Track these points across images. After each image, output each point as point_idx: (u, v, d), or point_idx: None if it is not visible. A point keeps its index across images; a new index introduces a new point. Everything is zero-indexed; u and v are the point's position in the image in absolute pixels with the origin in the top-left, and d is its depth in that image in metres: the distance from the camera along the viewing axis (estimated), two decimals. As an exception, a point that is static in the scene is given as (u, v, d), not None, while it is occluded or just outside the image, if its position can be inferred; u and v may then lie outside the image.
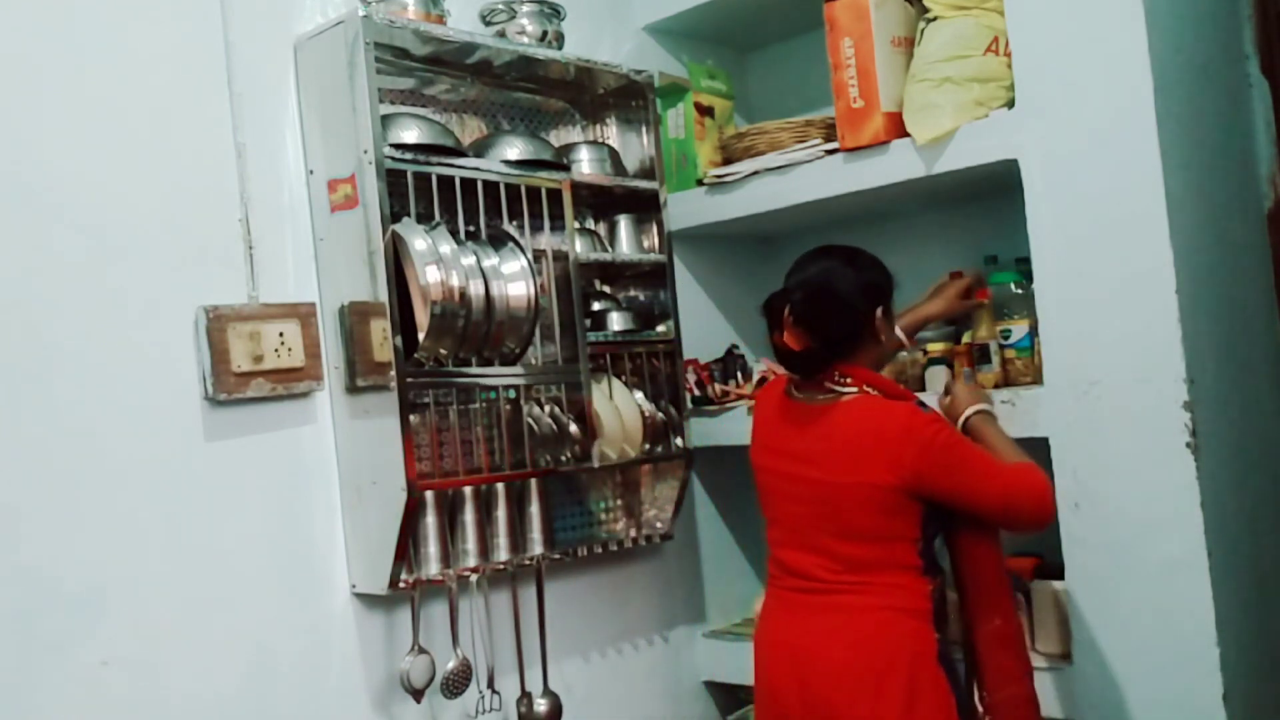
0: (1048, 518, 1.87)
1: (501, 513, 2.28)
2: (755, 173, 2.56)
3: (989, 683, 1.95)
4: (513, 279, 2.21)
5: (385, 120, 2.13)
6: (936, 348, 2.37)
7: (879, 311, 1.95)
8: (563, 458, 2.31)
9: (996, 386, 2.25)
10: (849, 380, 1.94)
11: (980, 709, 1.96)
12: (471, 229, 2.22)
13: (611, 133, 2.69)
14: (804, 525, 1.96)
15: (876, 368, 2.01)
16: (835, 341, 1.93)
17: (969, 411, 2.03)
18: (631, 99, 2.64)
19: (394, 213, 2.07)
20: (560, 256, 2.36)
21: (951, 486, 1.86)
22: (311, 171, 2.16)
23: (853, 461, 1.89)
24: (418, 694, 2.12)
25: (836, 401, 1.94)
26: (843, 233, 2.86)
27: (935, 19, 2.27)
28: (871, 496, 1.87)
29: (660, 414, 2.53)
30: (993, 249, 2.58)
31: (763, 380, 2.65)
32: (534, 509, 2.34)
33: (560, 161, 2.41)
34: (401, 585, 2.09)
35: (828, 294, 1.92)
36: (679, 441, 2.56)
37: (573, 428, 2.30)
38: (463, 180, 2.18)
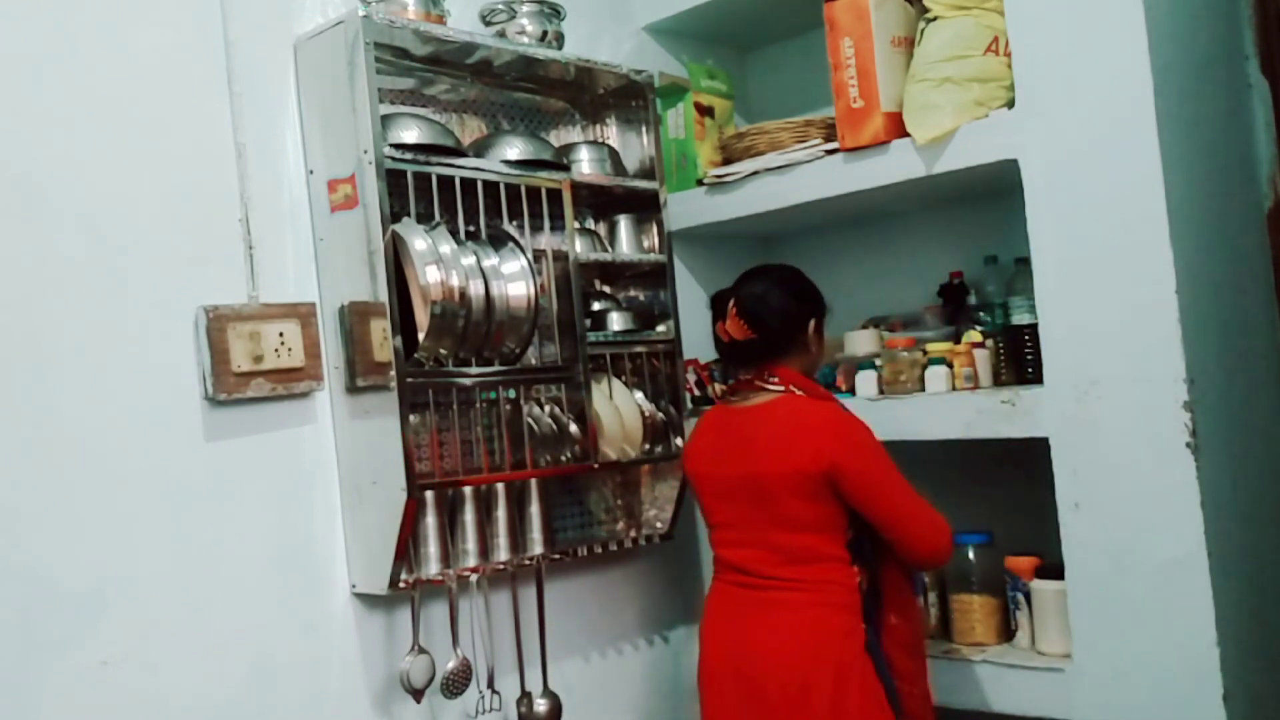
0: (940, 562, 2.06)
1: (501, 513, 2.28)
2: (755, 173, 2.56)
3: (894, 674, 2.05)
4: (513, 279, 2.21)
5: (385, 120, 2.13)
6: (936, 348, 2.37)
7: (813, 323, 2.14)
8: (563, 458, 2.32)
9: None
10: (776, 380, 2.10)
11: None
12: (471, 229, 2.22)
13: (611, 133, 2.69)
14: (744, 520, 2.10)
15: (807, 374, 2.16)
16: (772, 337, 2.10)
17: None
18: (631, 99, 2.64)
19: (394, 213, 2.07)
20: (560, 256, 2.36)
21: (866, 494, 2.00)
22: (311, 171, 2.16)
23: (781, 451, 2.02)
24: (418, 694, 2.12)
25: (766, 401, 2.10)
26: (843, 233, 2.88)
27: (935, 19, 2.27)
28: (801, 484, 2.00)
29: (660, 414, 2.53)
30: (993, 249, 2.58)
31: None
32: (534, 509, 2.34)
33: (560, 161, 2.41)
34: (401, 585, 2.09)
35: (771, 294, 2.12)
36: (679, 441, 2.55)
37: (573, 428, 2.30)
38: (463, 180, 2.18)
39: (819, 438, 2.00)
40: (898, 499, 2.01)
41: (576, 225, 2.46)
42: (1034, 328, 2.17)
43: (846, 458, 1.98)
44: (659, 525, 2.60)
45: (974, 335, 2.36)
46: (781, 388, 2.09)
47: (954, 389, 2.29)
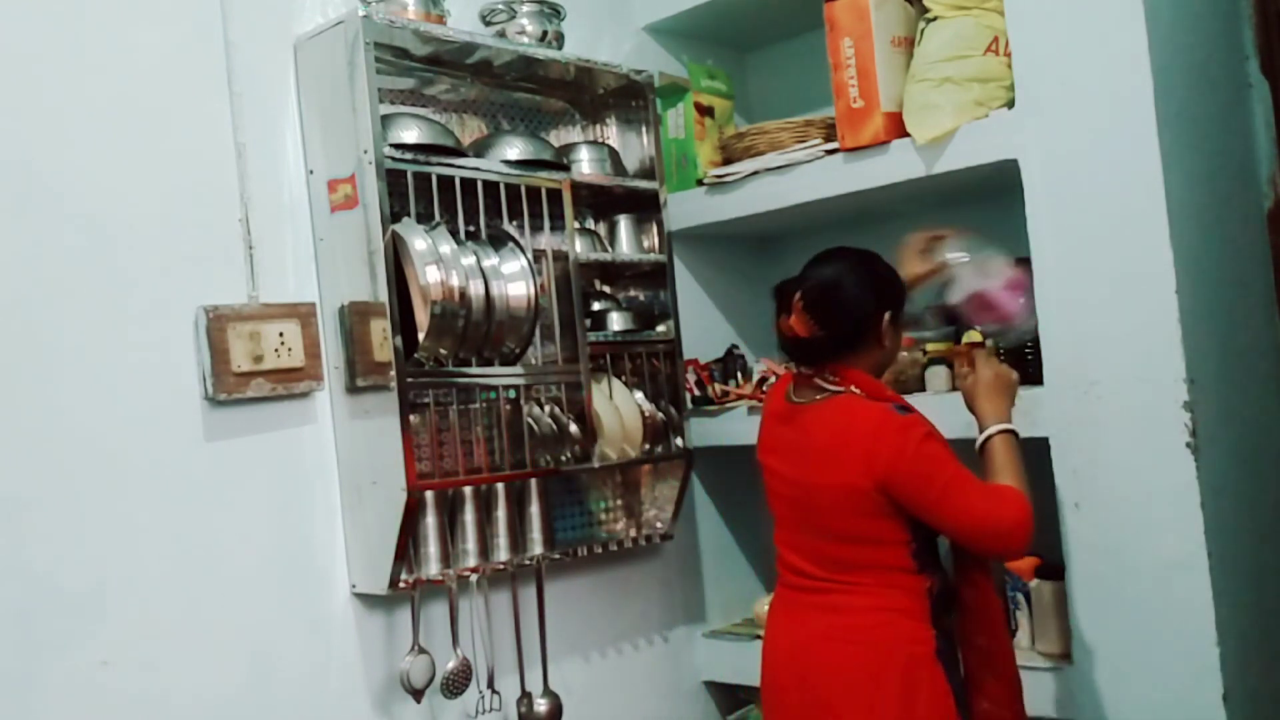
0: (1015, 545, 1.82)
1: (501, 513, 2.27)
2: (755, 173, 2.56)
3: (971, 696, 1.91)
4: (513, 279, 2.21)
5: (385, 120, 2.13)
6: (936, 347, 2.37)
7: (887, 316, 1.93)
8: (563, 458, 2.31)
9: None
10: (837, 380, 1.92)
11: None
12: (471, 229, 2.22)
13: (611, 133, 2.69)
14: (793, 523, 1.97)
15: (876, 372, 1.97)
16: (840, 334, 1.90)
17: (991, 430, 1.91)
18: (631, 99, 2.64)
19: (394, 213, 2.07)
20: (560, 256, 2.36)
21: (918, 499, 1.81)
22: (311, 171, 2.16)
23: (826, 461, 1.87)
24: (418, 694, 2.12)
25: (821, 401, 1.92)
26: (843, 233, 2.86)
27: (935, 19, 2.27)
28: (848, 498, 1.84)
29: (660, 414, 2.53)
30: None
31: (764, 380, 2.65)
32: (534, 509, 2.34)
33: (560, 161, 2.41)
34: (401, 585, 2.09)
35: (840, 286, 1.90)
36: (679, 441, 2.56)
37: (573, 428, 2.30)
38: (463, 180, 2.18)
39: (870, 449, 1.81)
40: (960, 503, 1.80)
41: (576, 225, 2.46)
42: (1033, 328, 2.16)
43: (898, 469, 1.79)
44: (659, 525, 2.60)
45: (974, 335, 2.35)
46: (840, 388, 1.91)
47: (954, 389, 2.29)
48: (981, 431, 1.92)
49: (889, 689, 1.82)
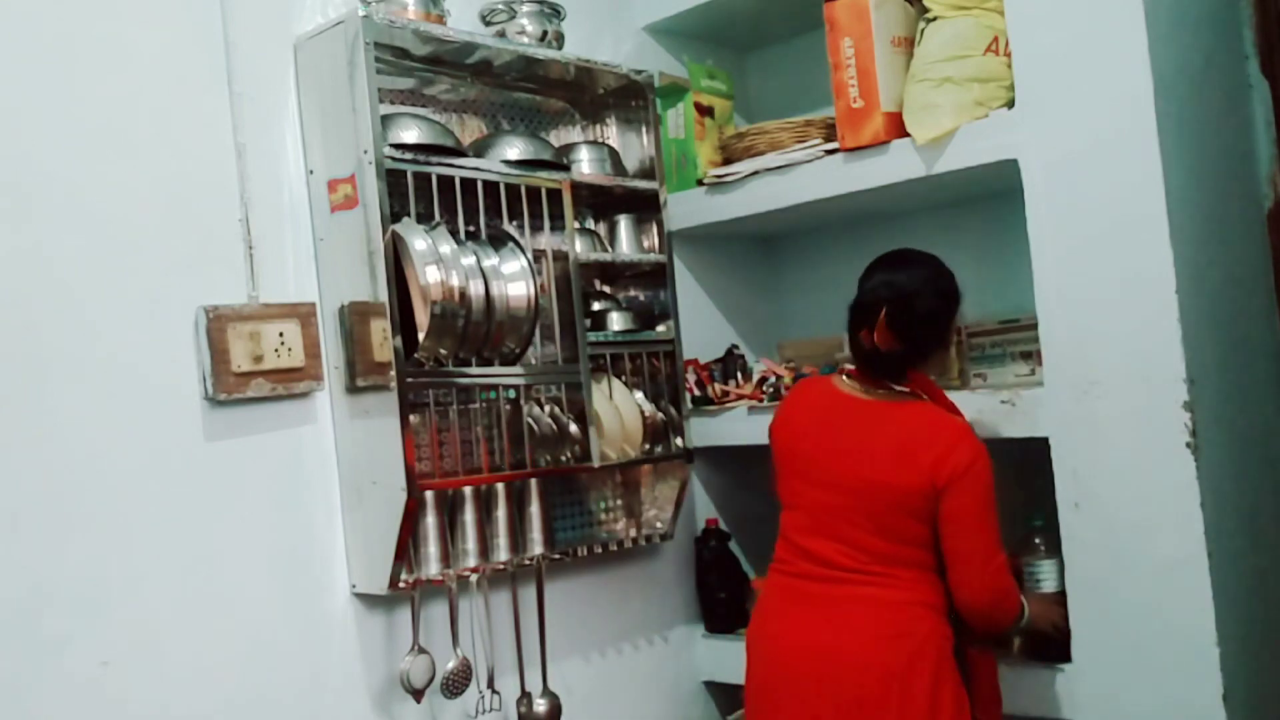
0: (986, 627, 1.96)
1: (501, 513, 2.27)
2: (755, 173, 2.56)
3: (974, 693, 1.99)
4: (513, 279, 2.21)
5: (385, 120, 2.13)
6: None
7: (954, 325, 2.05)
8: (563, 458, 2.31)
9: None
10: (905, 381, 2.00)
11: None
12: (471, 229, 2.22)
13: (611, 133, 2.69)
14: (831, 514, 1.98)
15: (937, 372, 2.08)
16: (923, 347, 2.00)
17: (1028, 619, 2.02)
18: (631, 99, 2.64)
19: (394, 213, 2.07)
20: (560, 256, 2.36)
21: (956, 513, 1.90)
22: (311, 171, 2.16)
23: (898, 462, 1.92)
24: (418, 694, 2.12)
25: (892, 401, 1.99)
26: (843, 233, 2.88)
27: (935, 19, 2.27)
28: (907, 499, 1.91)
29: (660, 414, 2.53)
30: (992, 249, 2.58)
31: (764, 380, 2.66)
32: (534, 509, 2.33)
33: (560, 161, 2.41)
34: (401, 585, 2.09)
35: (922, 298, 1.98)
36: (679, 441, 2.56)
37: (573, 428, 2.30)
38: (463, 180, 2.18)
39: (942, 455, 1.89)
40: (982, 539, 1.90)
41: (576, 225, 2.46)
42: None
43: (960, 482, 1.88)
44: (659, 525, 2.60)
45: None
46: (909, 390, 2.00)
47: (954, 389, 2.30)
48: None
49: (922, 681, 1.89)
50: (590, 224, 2.64)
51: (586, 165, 2.51)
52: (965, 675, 1.96)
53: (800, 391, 2.16)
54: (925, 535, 1.93)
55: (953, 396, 2.16)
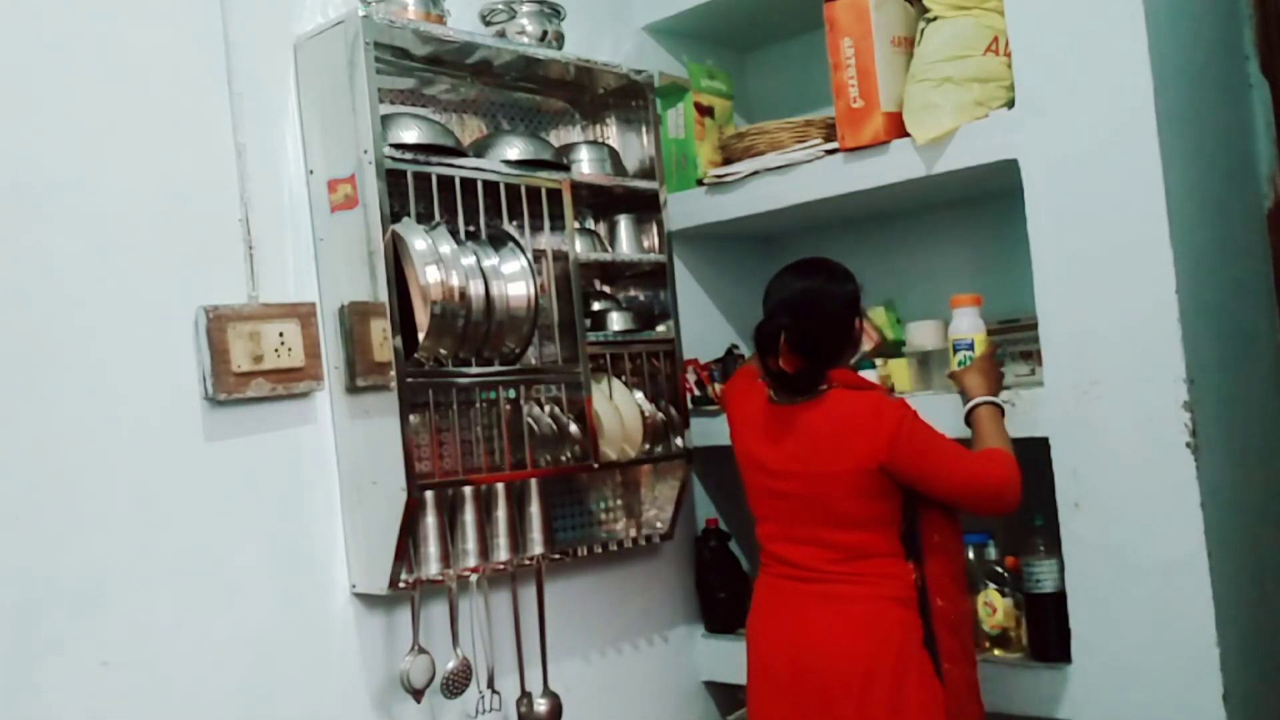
0: (1010, 501, 1.97)
1: (501, 513, 2.27)
2: (755, 173, 2.56)
3: (941, 654, 2.02)
4: (513, 279, 2.21)
5: (385, 120, 2.13)
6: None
7: (857, 321, 2.09)
8: (563, 458, 2.31)
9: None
10: (824, 384, 2.04)
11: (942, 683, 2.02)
12: (471, 229, 2.22)
13: (611, 133, 2.69)
14: (793, 519, 2.06)
15: (851, 366, 2.14)
16: (826, 357, 2.04)
17: (975, 401, 2.11)
18: (631, 99, 2.64)
19: (394, 213, 2.07)
20: (560, 256, 2.36)
21: (919, 469, 1.96)
22: (311, 171, 2.16)
23: (835, 450, 1.99)
24: (418, 694, 2.12)
25: (815, 399, 2.04)
26: (843, 233, 2.88)
27: (935, 19, 2.27)
28: (857, 481, 1.97)
29: (660, 414, 2.53)
30: (992, 249, 2.58)
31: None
32: (534, 509, 2.33)
33: (560, 161, 2.41)
34: (401, 585, 2.09)
35: (818, 315, 2.03)
36: (679, 441, 2.56)
37: (573, 428, 2.30)
38: (463, 180, 2.18)
39: (872, 430, 1.96)
40: (956, 467, 1.97)
41: (576, 225, 2.46)
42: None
43: (899, 443, 1.94)
44: (659, 525, 2.60)
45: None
46: (828, 386, 2.04)
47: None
48: (966, 404, 2.11)
49: (882, 674, 1.95)
50: (590, 224, 2.64)
51: (586, 165, 2.51)
52: (938, 666, 1.99)
53: (736, 401, 2.23)
54: (879, 511, 1.99)
55: (957, 395, 2.18)
